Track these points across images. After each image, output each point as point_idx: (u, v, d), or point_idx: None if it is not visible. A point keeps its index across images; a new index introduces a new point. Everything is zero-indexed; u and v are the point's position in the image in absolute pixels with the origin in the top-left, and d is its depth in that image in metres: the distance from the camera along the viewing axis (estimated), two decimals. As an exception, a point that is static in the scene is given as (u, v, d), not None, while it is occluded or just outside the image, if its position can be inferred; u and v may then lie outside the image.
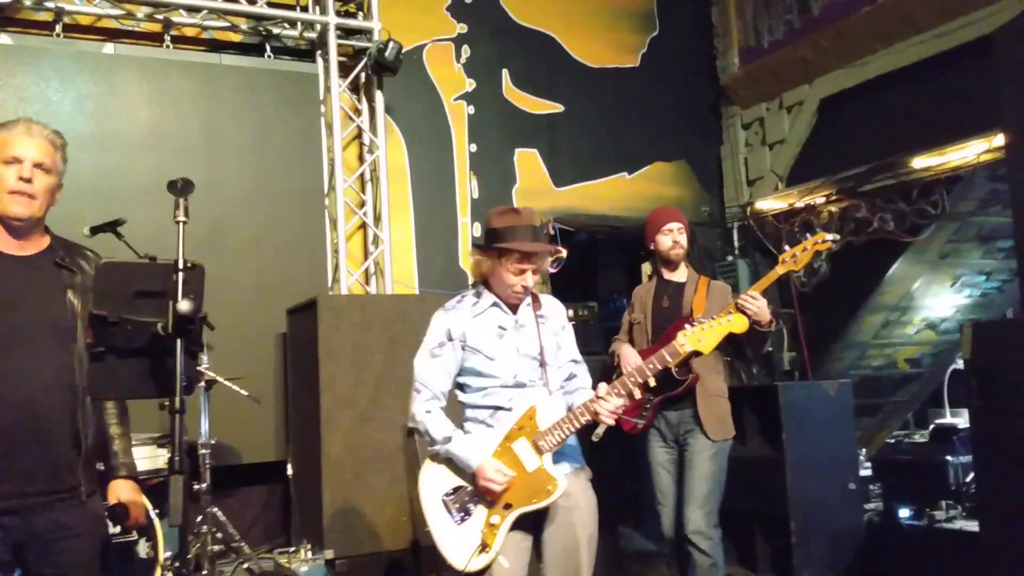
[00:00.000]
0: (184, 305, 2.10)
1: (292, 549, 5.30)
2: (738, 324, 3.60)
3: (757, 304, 4.04)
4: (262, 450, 5.91)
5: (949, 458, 5.74)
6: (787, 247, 4.25)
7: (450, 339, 3.22)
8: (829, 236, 4.15)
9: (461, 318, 3.25)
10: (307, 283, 6.03)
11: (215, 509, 5.08)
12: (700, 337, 3.52)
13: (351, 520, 5.05)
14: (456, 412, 3.30)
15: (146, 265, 2.27)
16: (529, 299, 3.34)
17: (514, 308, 3.30)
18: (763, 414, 5.37)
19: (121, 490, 2.72)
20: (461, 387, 3.31)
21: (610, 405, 3.18)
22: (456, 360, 3.24)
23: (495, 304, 3.28)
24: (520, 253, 3.16)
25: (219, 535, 5.04)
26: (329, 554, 4.91)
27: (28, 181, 2.51)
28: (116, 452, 2.73)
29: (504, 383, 3.21)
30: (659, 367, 3.58)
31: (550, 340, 3.33)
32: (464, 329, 3.23)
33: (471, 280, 3.44)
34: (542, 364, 3.27)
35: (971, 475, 5.55)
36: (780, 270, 4.13)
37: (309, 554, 5.00)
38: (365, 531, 5.06)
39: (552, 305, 3.44)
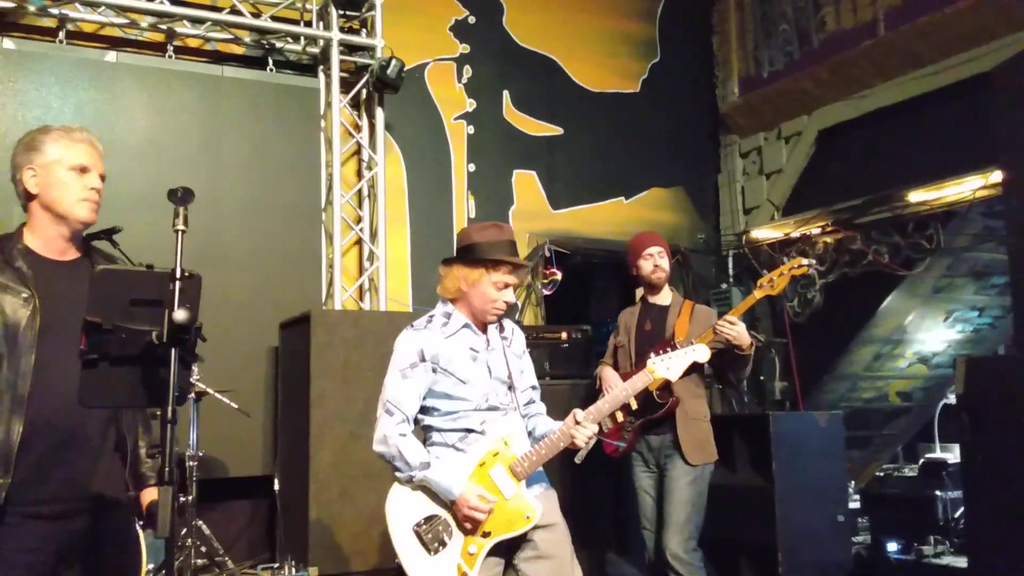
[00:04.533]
0: (180, 314, 2.07)
1: (276, 565, 5.25)
2: (700, 354, 3.66)
3: (735, 329, 4.10)
4: (249, 464, 5.86)
5: (938, 493, 5.75)
6: (765, 272, 4.30)
7: (422, 359, 3.12)
8: (805, 261, 4.23)
9: (433, 339, 3.16)
10: (301, 297, 6.00)
11: (200, 522, 5.04)
12: (668, 365, 3.58)
13: (337, 537, 5.01)
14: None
15: (143, 273, 2.24)
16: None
17: (483, 329, 3.25)
18: (753, 443, 5.35)
19: (155, 496, 2.70)
20: (426, 410, 3.19)
21: (588, 432, 3.16)
22: (427, 382, 3.13)
23: (466, 326, 3.21)
24: (511, 265, 3.14)
25: (203, 549, 5.00)
26: (314, 571, 4.87)
27: (98, 191, 2.60)
28: (145, 460, 2.71)
29: (477, 406, 3.14)
30: (631, 393, 3.66)
31: (515, 363, 3.30)
32: (437, 351, 3.14)
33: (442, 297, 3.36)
34: (511, 387, 3.23)
35: (960, 510, 5.55)
36: (758, 294, 4.21)
37: (293, 570, 4.95)
38: (351, 549, 5.02)
39: (514, 329, 3.41)
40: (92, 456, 2.50)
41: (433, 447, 3.16)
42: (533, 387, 3.42)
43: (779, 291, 4.22)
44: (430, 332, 3.18)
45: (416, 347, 3.14)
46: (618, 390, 3.60)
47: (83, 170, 2.58)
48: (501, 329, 3.32)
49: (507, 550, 3.13)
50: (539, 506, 3.10)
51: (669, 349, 3.66)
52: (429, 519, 3.06)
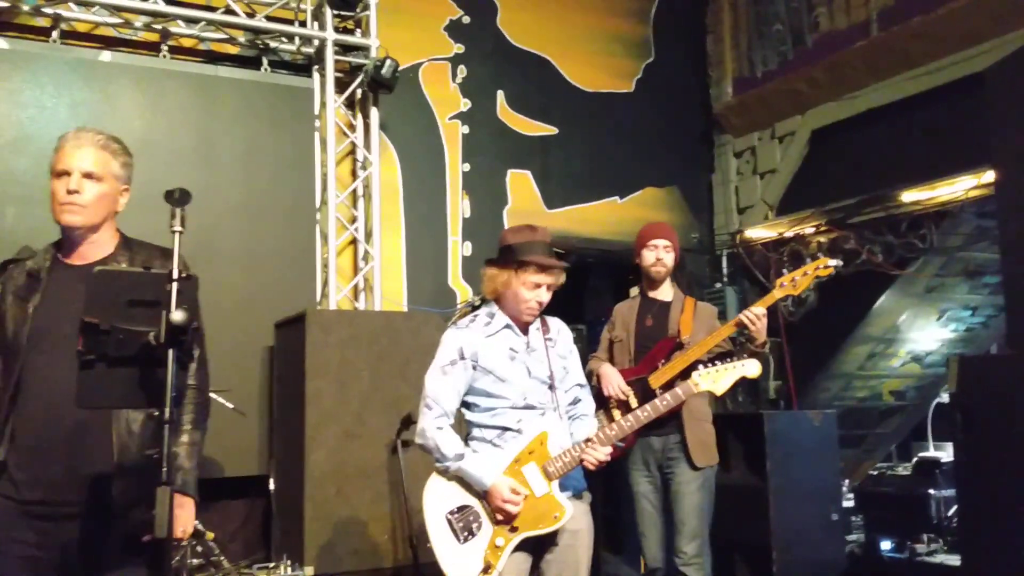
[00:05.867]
0: (177, 315, 2.08)
1: (272, 564, 5.25)
2: (750, 368, 3.57)
3: (761, 323, 3.96)
4: (245, 463, 5.86)
5: (932, 491, 5.78)
6: (785, 271, 4.15)
7: (462, 357, 3.22)
8: (832, 262, 4.05)
9: (473, 338, 3.26)
10: (296, 297, 5.99)
11: (196, 521, 5.03)
12: (715, 378, 3.53)
13: (332, 537, 5.01)
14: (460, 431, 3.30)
15: (140, 274, 2.25)
16: (538, 322, 3.36)
17: (525, 329, 3.32)
18: (748, 442, 5.38)
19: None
20: (468, 406, 3.31)
21: (599, 454, 3.20)
22: (466, 379, 3.24)
23: (507, 326, 3.29)
24: (537, 266, 3.19)
25: (199, 548, 4.99)
26: (309, 571, 4.88)
27: (74, 192, 2.55)
28: (178, 463, 2.68)
29: (514, 404, 3.22)
30: (672, 403, 3.59)
31: (559, 364, 3.36)
32: (476, 349, 3.23)
33: (460, 299, 3.45)
34: (552, 388, 3.29)
35: (953, 509, 5.57)
36: (778, 293, 4.04)
37: (289, 570, 4.95)
38: (346, 549, 5.03)
39: (559, 328, 3.47)
40: (95, 459, 2.49)
41: (473, 442, 3.28)
42: (580, 385, 3.47)
43: (801, 291, 4.05)
44: (471, 331, 3.28)
45: (456, 345, 3.25)
46: (658, 400, 3.56)
47: (64, 174, 2.58)
48: (547, 330, 3.38)
49: (536, 548, 3.20)
50: (570, 507, 3.16)
51: (702, 366, 3.58)
52: (462, 508, 3.17)
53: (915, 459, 6.43)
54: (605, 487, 5.76)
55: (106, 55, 5.87)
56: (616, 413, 4.18)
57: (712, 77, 8.26)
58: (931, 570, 5.37)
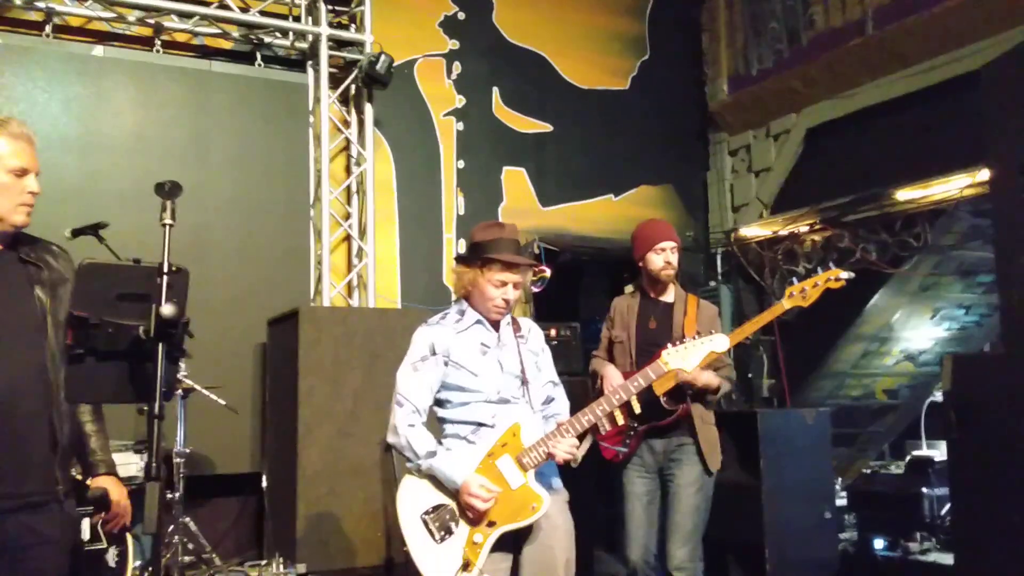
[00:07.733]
0: (167, 309, 2.07)
1: (264, 562, 5.24)
2: (719, 343, 3.53)
3: (699, 383, 3.91)
4: (237, 461, 5.85)
5: (925, 490, 5.78)
6: (794, 280, 3.98)
7: (433, 353, 3.20)
8: (844, 274, 3.86)
9: (445, 333, 3.23)
10: (289, 294, 5.99)
11: (187, 519, 5.03)
12: (684, 356, 3.49)
13: (324, 535, 5.00)
14: (434, 429, 3.26)
15: (129, 267, 2.23)
16: (509, 319, 3.34)
17: (495, 325, 3.30)
18: (741, 441, 5.36)
19: (104, 483, 2.69)
20: (441, 403, 3.27)
21: (565, 444, 3.15)
22: (438, 376, 3.21)
23: (479, 321, 3.28)
24: (502, 263, 3.16)
25: (190, 546, 4.99)
26: (301, 568, 4.86)
27: (35, 195, 2.50)
28: (94, 449, 2.69)
29: (488, 399, 3.19)
30: (643, 384, 3.54)
31: (530, 359, 3.33)
32: (448, 345, 3.21)
33: (454, 296, 3.42)
34: (524, 382, 3.27)
35: (946, 507, 5.58)
36: (787, 304, 3.89)
37: (281, 568, 4.94)
38: (338, 546, 5.01)
39: (531, 327, 3.45)
40: (39, 447, 2.43)
41: (447, 439, 3.24)
42: (553, 383, 3.44)
43: (811, 303, 3.87)
44: (442, 327, 3.26)
45: (427, 341, 3.23)
46: (627, 382, 3.51)
47: (23, 172, 2.50)
48: (518, 328, 3.36)
49: (514, 546, 3.15)
50: (547, 496, 3.12)
51: (671, 345, 3.52)
52: (437, 508, 3.12)
53: (908, 457, 6.42)
54: (607, 488, 5.75)
55: (99, 50, 5.85)
56: (619, 417, 4.02)
57: (707, 75, 8.25)
58: (924, 569, 5.37)
